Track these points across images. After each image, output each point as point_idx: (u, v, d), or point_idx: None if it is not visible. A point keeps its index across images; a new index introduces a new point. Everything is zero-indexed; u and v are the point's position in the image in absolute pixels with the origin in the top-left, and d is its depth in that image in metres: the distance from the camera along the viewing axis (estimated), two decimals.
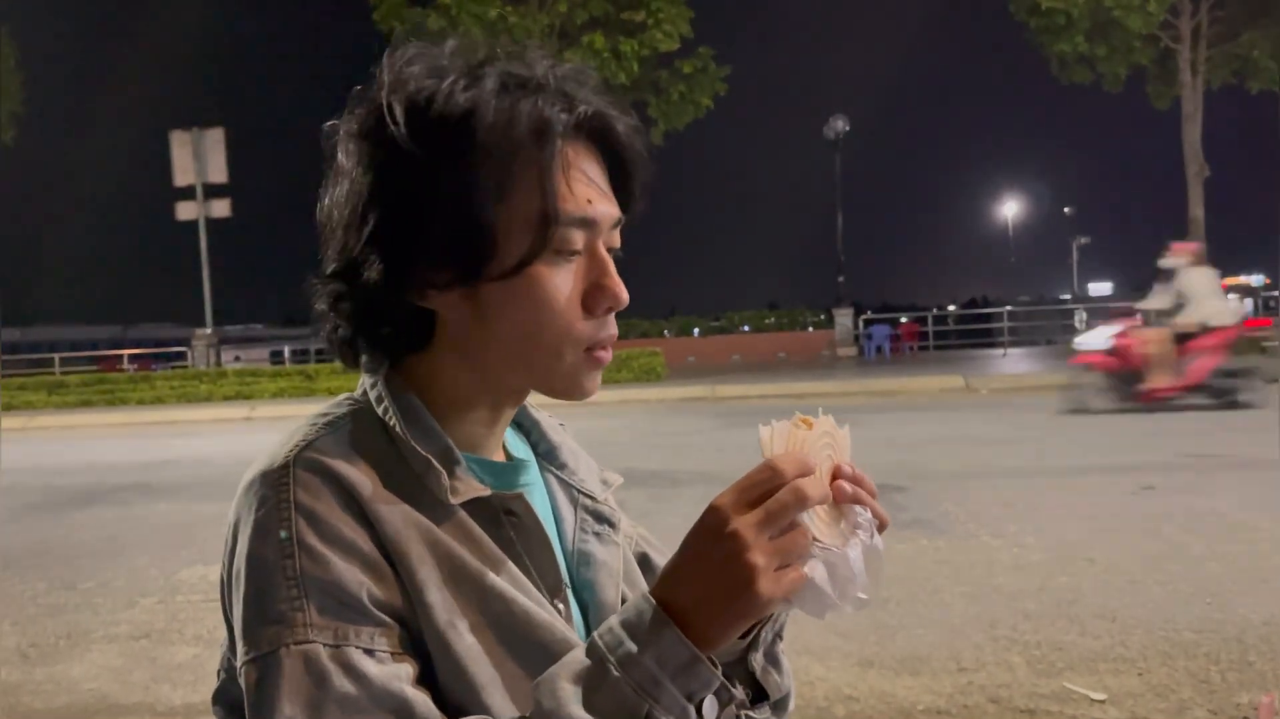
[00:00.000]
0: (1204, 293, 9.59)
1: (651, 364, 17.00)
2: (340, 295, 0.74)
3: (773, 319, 31.79)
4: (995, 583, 3.92)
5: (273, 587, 0.65)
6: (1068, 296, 47.30)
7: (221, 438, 11.39)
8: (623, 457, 7.54)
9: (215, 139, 18.75)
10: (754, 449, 0.65)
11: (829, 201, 26.20)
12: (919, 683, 2.94)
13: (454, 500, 0.71)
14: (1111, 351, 9.75)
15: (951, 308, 46.11)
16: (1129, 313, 10.28)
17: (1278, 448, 6.66)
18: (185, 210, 18.84)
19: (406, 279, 0.71)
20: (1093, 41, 17.62)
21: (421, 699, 0.64)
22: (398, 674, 0.65)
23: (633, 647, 0.62)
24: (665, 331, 30.51)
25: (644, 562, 0.88)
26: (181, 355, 24.69)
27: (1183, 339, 9.53)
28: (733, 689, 0.64)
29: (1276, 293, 28.98)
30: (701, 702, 0.63)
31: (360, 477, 0.68)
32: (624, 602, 0.79)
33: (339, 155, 0.73)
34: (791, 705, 0.83)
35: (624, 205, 0.76)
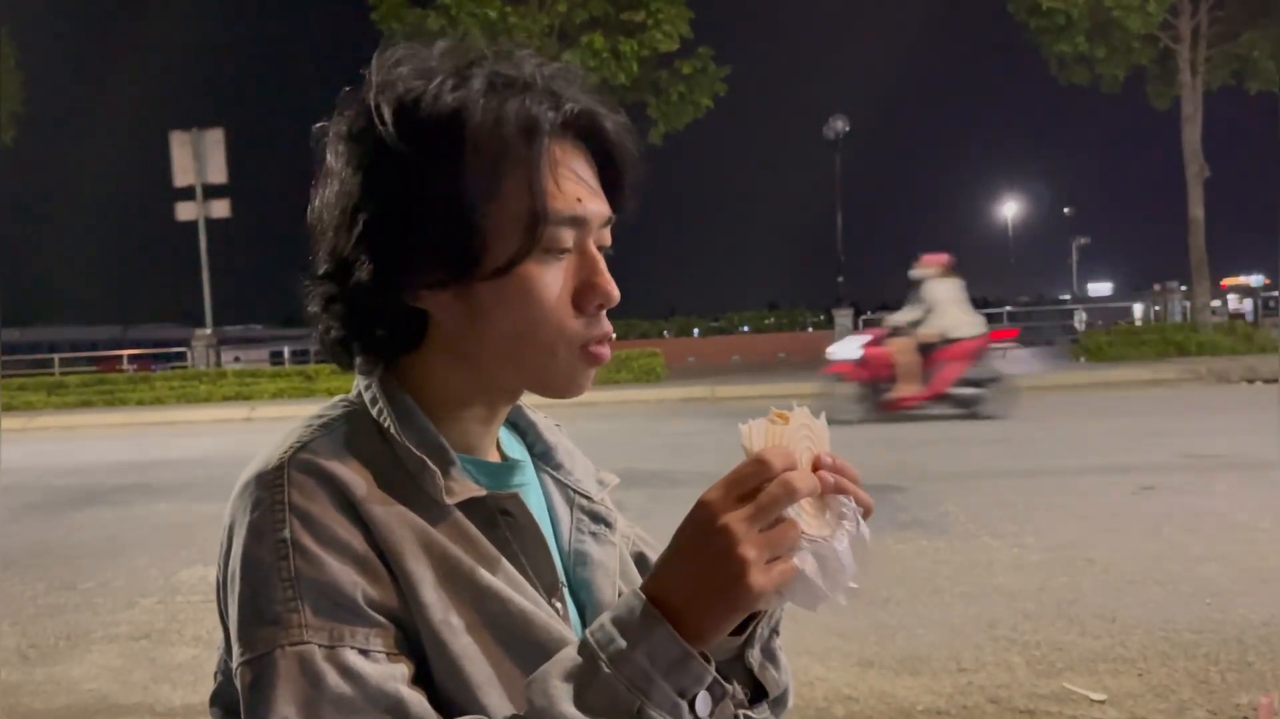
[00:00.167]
0: (947, 304, 9.76)
1: (651, 365, 17.00)
2: (332, 297, 0.74)
3: (772, 319, 31.81)
4: (995, 583, 3.92)
5: (268, 588, 0.65)
6: (1067, 297, 47.37)
7: (221, 438, 11.38)
8: (622, 457, 7.54)
9: (215, 139, 18.74)
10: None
11: (829, 202, 26.18)
12: (919, 683, 2.94)
13: (449, 501, 0.71)
14: (861, 362, 9.94)
15: None
16: (880, 324, 10.46)
17: (1278, 448, 6.66)
18: (185, 211, 18.83)
19: (397, 279, 0.71)
20: (1092, 42, 17.61)
21: (417, 699, 0.64)
22: (393, 674, 0.65)
23: (624, 643, 0.62)
24: (665, 332, 30.54)
25: (641, 561, 0.88)
26: (181, 356, 24.69)
27: (928, 350, 9.71)
28: (725, 685, 0.64)
29: (1276, 293, 29.01)
30: (694, 698, 0.63)
31: (355, 478, 0.68)
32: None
33: (328, 156, 0.74)
34: (790, 702, 0.83)
35: (615, 204, 0.76)
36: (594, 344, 0.74)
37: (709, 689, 0.63)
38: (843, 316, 23.65)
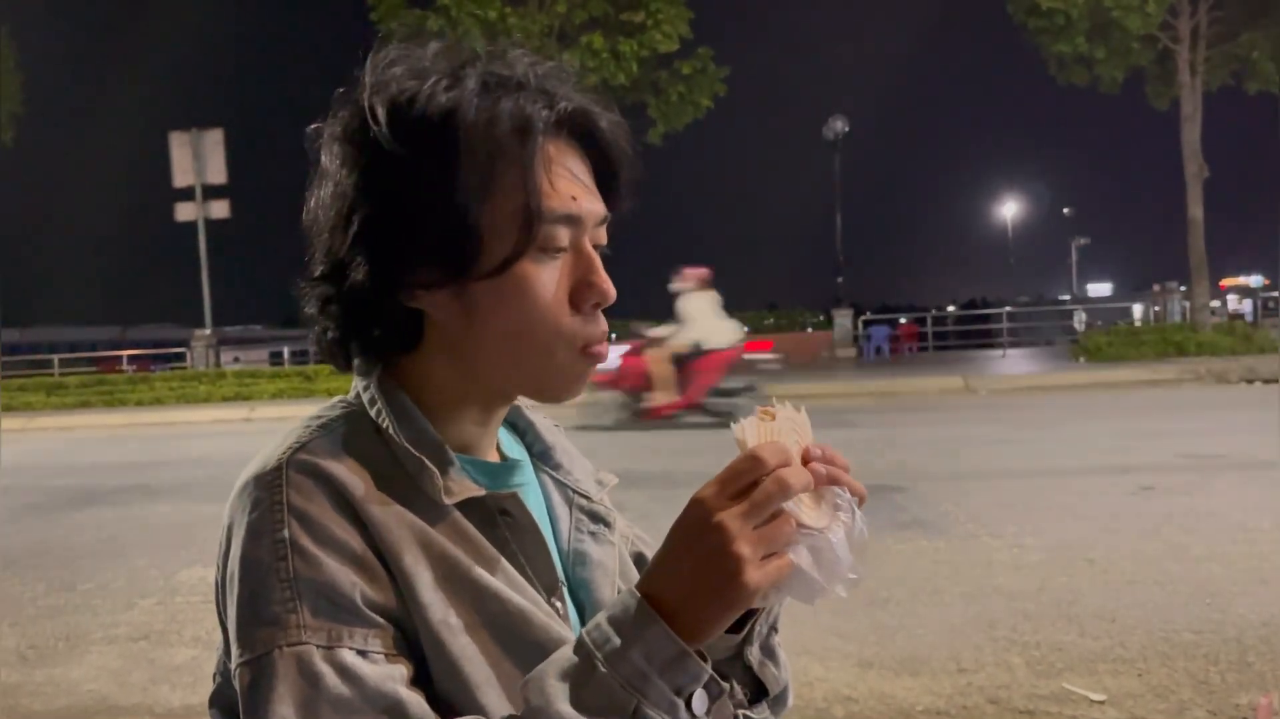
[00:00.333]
0: (701, 316, 10.01)
1: None
2: (329, 298, 0.74)
3: (772, 320, 31.81)
4: (995, 583, 3.92)
5: (266, 589, 0.65)
6: (1067, 297, 47.36)
7: (221, 439, 11.38)
8: (622, 458, 7.55)
9: (214, 140, 18.74)
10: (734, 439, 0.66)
11: (828, 202, 26.19)
12: (918, 684, 2.94)
13: (448, 501, 0.71)
14: (619, 372, 10.15)
15: (951, 309, 46.17)
16: (640, 336, 10.63)
17: (1278, 448, 6.66)
18: (184, 211, 18.82)
19: (394, 280, 0.71)
20: (1092, 42, 17.61)
21: (415, 700, 0.64)
22: (391, 675, 0.64)
23: (619, 642, 0.62)
24: None
25: (640, 561, 0.88)
26: (180, 356, 24.67)
27: (684, 360, 9.93)
28: (722, 683, 0.64)
29: (1275, 293, 29.02)
30: (691, 696, 0.63)
31: (353, 478, 0.68)
32: None
33: (323, 158, 0.74)
34: (790, 701, 0.83)
35: (611, 202, 0.76)
36: (592, 344, 0.74)
37: (705, 687, 0.63)
38: (842, 317, 23.67)
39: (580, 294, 0.73)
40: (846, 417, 10.23)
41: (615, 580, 0.82)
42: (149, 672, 3.38)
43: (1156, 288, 24.03)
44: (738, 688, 0.78)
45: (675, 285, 10.18)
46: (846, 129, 25.46)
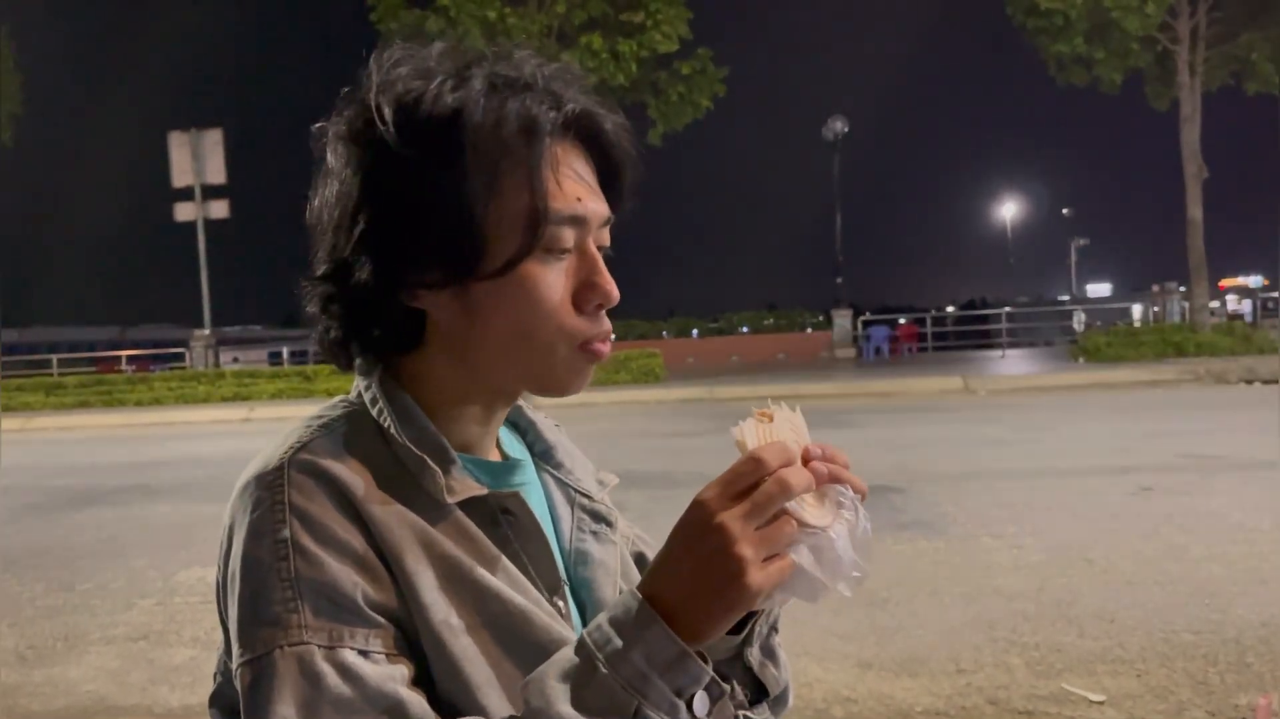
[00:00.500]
0: None
1: (650, 365, 17.00)
2: (331, 297, 0.74)
3: (771, 320, 31.84)
4: (994, 584, 3.92)
5: (267, 588, 0.65)
6: (1066, 298, 47.40)
7: (220, 439, 11.37)
8: (621, 458, 7.54)
9: (214, 140, 18.74)
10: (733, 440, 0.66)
11: (828, 203, 26.23)
12: (918, 684, 2.94)
13: (450, 500, 0.71)
14: None
15: (950, 309, 46.19)
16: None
17: (1277, 449, 6.66)
18: (183, 211, 18.82)
19: (397, 279, 0.71)
20: (1091, 43, 17.63)
21: (416, 700, 0.64)
22: (392, 675, 0.64)
23: (620, 644, 0.62)
24: (664, 333, 30.59)
25: (641, 561, 0.88)
26: (180, 356, 24.66)
27: None
28: (723, 684, 0.64)
29: (1275, 294, 29.03)
30: (692, 697, 0.63)
31: (355, 478, 0.68)
32: None
33: (328, 157, 0.74)
34: (791, 701, 0.83)
35: (613, 204, 0.77)
36: (595, 341, 0.74)
37: (706, 689, 0.63)
38: (841, 317, 23.70)
39: (584, 295, 0.73)
40: (846, 417, 10.23)
41: (617, 580, 0.82)
42: (148, 672, 3.37)
43: (1155, 288, 24.03)
44: (738, 689, 0.78)
45: None
46: (846, 129, 25.48)
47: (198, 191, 18.61)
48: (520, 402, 0.84)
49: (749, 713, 0.78)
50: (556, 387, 0.75)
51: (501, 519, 0.74)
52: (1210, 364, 14.26)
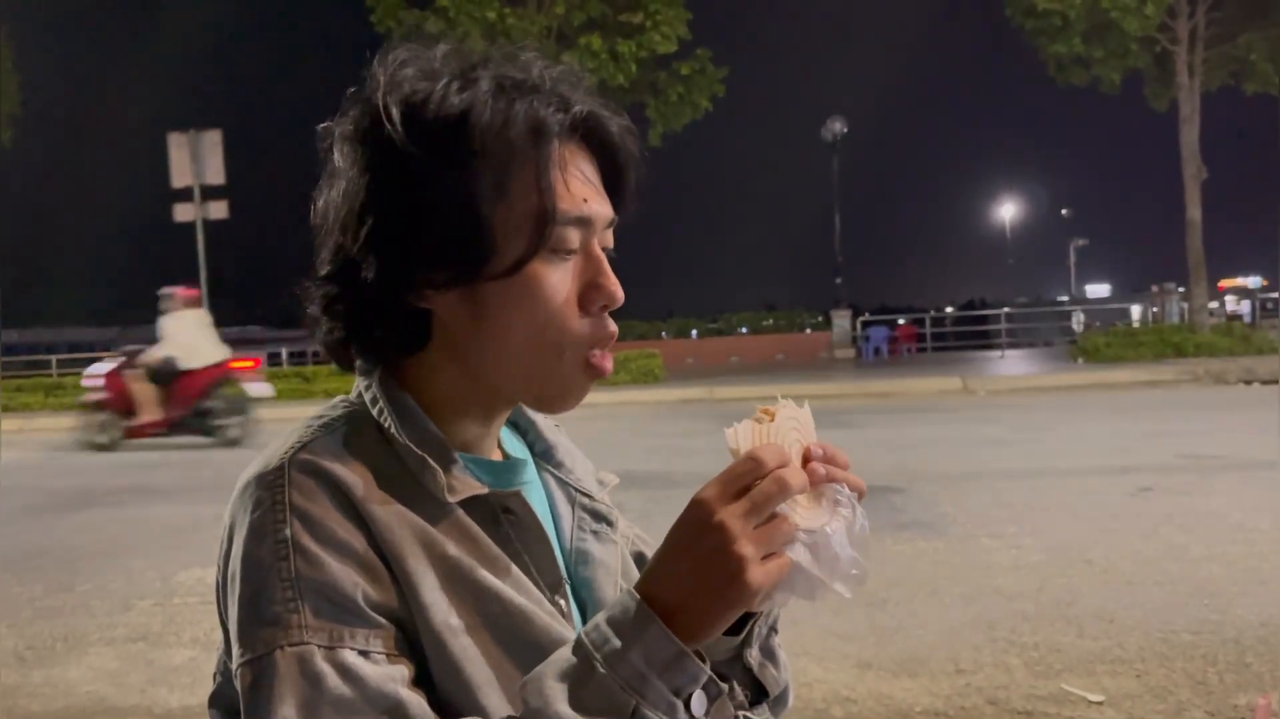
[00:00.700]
0: (181, 335, 10.27)
1: (649, 366, 16.99)
2: (335, 297, 0.74)
3: (771, 321, 31.85)
4: (993, 584, 3.92)
5: (268, 588, 0.65)
6: (1065, 298, 47.41)
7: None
8: (621, 458, 7.54)
9: (213, 141, 18.70)
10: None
11: (827, 203, 26.23)
12: (917, 684, 2.94)
13: (451, 499, 0.71)
14: (106, 389, 10.32)
15: (949, 309, 46.23)
16: (128, 352, 10.85)
17: (1277, 449, 6.67)
18: (183, 212, 18.78)
19: (404, 280, 0.71)
20: (1089, 44, 17.64)
21: (416, 700, 0.64)
22: (393, 675, 0.65)
23: (618, 643, 0.62)
24: (663, 333, 30.58)
25: (641, 561, 0.88)
26: None
27: (168, 378, 10.15)
28: (721, 684, 0.64)
29: (1274, 294, 29.04)
30: (690, 697, 0.63)
31: (355, 478, 0.68)
32: None
33: (334, 157, 0.74)
34: (790, 701, 0.84)
35: (616, 206, 0.77)
36: (598, 352, 0.74)
37: (704, 688, 0.63)
38: (841, 318, 23.70)
39: (589, 296, 0.73)
40: (845, 417, 10.23)
41: (618, 579, 0.82)
42: (147, 673, 3.37)
43: (1155, 289, 24.04)
44: (738, 689, 0.78)
45: (161, 305, 10.47)
46: (845, 130, 25.49)
47: (197, 192, 18.57)
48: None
49: (749, 713, 0.79)
50: (556, 395, 0.75)
51: (503, 518, 0.74)
52: (1209, 364, 14.27)
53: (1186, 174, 17.90)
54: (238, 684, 0.65)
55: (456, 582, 0.69)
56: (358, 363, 0.77)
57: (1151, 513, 5.03)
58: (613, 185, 0.77)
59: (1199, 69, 17.72)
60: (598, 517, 0.85)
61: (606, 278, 0.74)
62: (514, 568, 0.72)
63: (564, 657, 0.64)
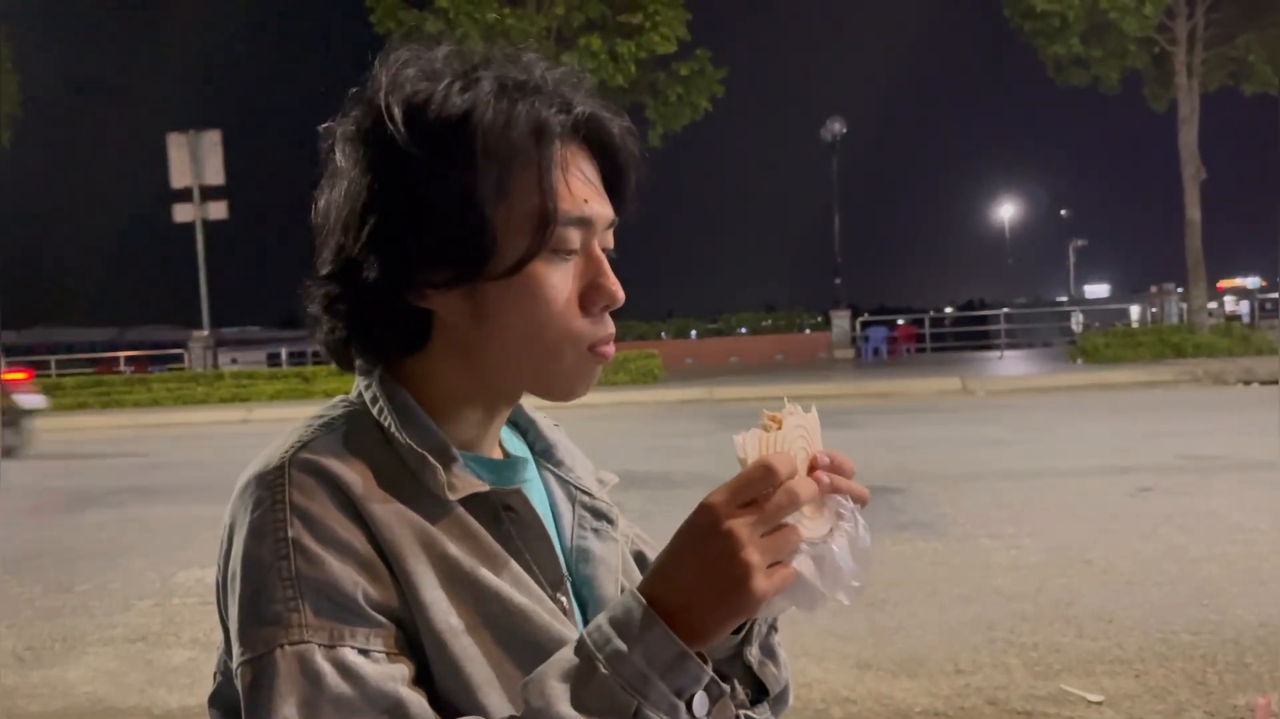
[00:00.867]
0: None
1: (649, 366, 17.00)
2: (336, 297, 0.74)
3: (770, 321, 31.88)
4: (992, 585, 3.92)
5: (268, 587, 0.65)
6: (1064, 298, 47.44)
7: (218, 440, 11.37)
8: (620, 459, 7.54)
9: (212, 141, 18.71)
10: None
11: (826, 204, 26.24)
12: (916, 685, 2.94)
13: (451, 497, 0.71)
14: None
15: (948, 310, 46.24)
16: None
17: (1276, 449, 6.67)
18: (182, 212, 18.80)
19: (405, 279, 0.72)
20: (1088, 44, 17.65)
21: (416, 700, 0.64)
22: (393, 675, 0.65)
23: (621, 644, 0.62)
24: (663, 334, 30.60)
25: (641, 560, 0.88)
26: (178, 358, 24.64)
27: None
28: (722, 685, 0.64)
29: (1273, 295, 29.06)
30: (692, 698, 0.63)
31: (355, 477, 0.69)
32: None
33: (336, 157, 0.74)
34: (790, 700, 0.84)
35: (617, 207, 0.77)
36: (600, 344, 0.75)
37: (706, 689, 0.63)
38: (840, 318, 23.70)
39: (590, 296, 0.74)
40: (844, 418, 10.23)
41: (618, 577, 0.82)
42: (146, 673, 3.37)
43: (1154, 289, 24.04)
44: (739, 688, 0.78)
45: None
46: (844, 130, 25.50)
47: (196, 193, 18.59)
48: (521, 400, 0.84)
49: (749, 712, 0.79)
50: (562, 389, 0.76)
51: (504, 516, 0.74)
52: (1208, 365, 14.28)
53: (1185, 174, 17.91)
54: (238, 683, 0.65)
55: (457, 581, 0.69)
56: (358, 362, 0.77)
57: (1151, 513, 5.03)
58: (613, 186, 0.77)
59: (1198, 70, 17.73)
60: (598, 514, 0.85)
61: (607, 278, 0.74)
62: (515, 565, 0.72)
63: (566, 657, 0.64)
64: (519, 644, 0.69)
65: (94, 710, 3.08)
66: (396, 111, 0.70)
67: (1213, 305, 22.84)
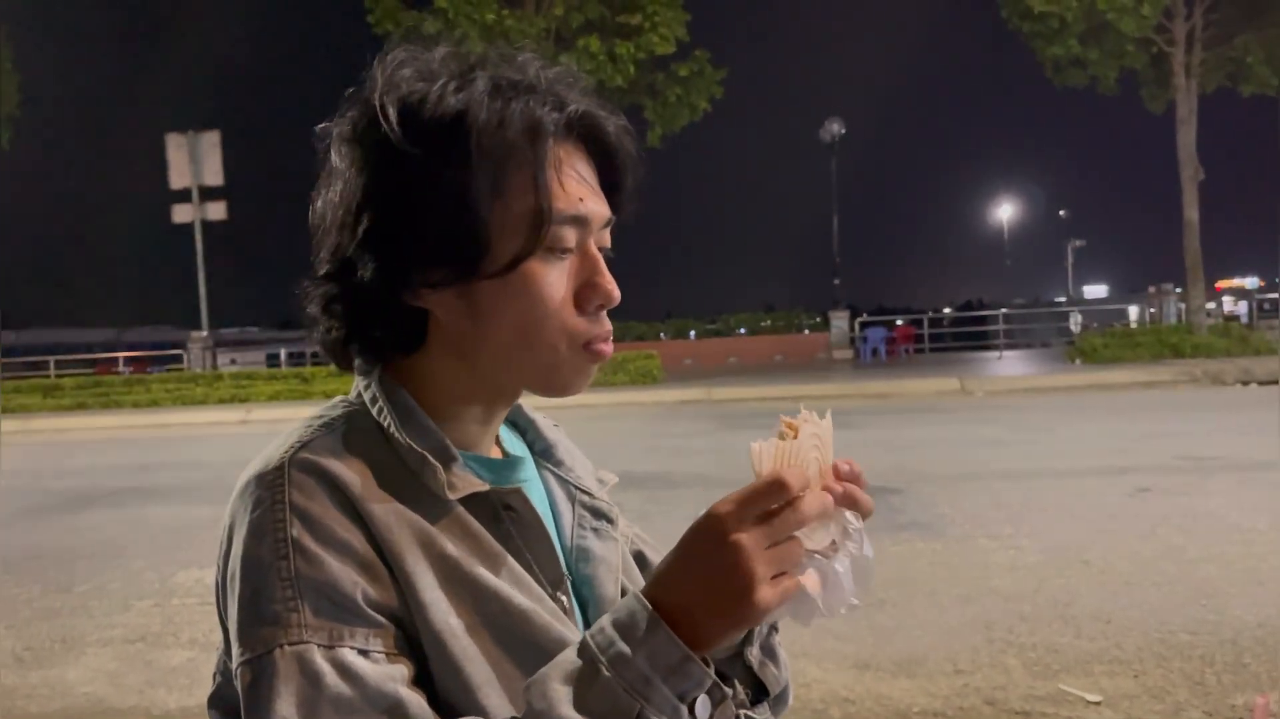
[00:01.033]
0: None
1: (648, 367, 16.99)
2: (333, 297, 0.74)
3: (769, 322, 31.88)
4: (991, 585, 3.92)
5: (268, 588, 0.65)
6: (1063, 299, 47.47)
7: (217, 441, 11.36)
8: (619, 459, 7.54)
9: (211, 142, 18.70)
10: (748, 453, 0.66)
11: (825, 204, 26.26)
12: (915, 685, 2.95)
13: (451, 496, 0.71)
14: None
15: (947, 310, 46.28)
16: None
17: (1275, 450, 6.68)
18: (181, 213, 18.79)
19: (401, 279, 0.72)
20: (1086, 45, 17.65)
21: (416, 700, 0.64)
22: (392, 675, 0.65)
23: (624, 647, 0.62)
24: (661, 334, 30.58)
25: (640, 560, 0.89)
26: (177, 358, 24.60)
27: None
28: (725, 688, 0.64)
29: (1271, 295, 29.08)
30: (694, 701, 0.63)
31: (355, 477, 0.69)
32: (624, 597, 0.79)
33: (332, 157, 0.74)
34: (790, 699, 0.84)
35: (614, 206, 0.77)
36: (597, 341, 0.75)
37: (708, 693, 0.64)
38: (839, 319, 23.71)
39: (585, 295, 0.74)
40: (843, 418, 10.19)
41: (619, 577, 0.82)
42: (145, 674, 3.37)
43: (1152, 289, 24.03)
44: (739, 689, 0.78)
45: None
46: (842, 131, 25.52)
47: (195, 193, 18.58)
48: (520, 400, 0.84)
49: (749, 712, 0.79)
50: (559, 386, 0.76)
51: (504, 515, 0.75)
52: (1207, 365, 14.28)
53: (1184, 175, 17.91)
54: (238, 683, 0.65)
55: (456, 581, 0.69)
56: (357, 362, 0.77)
57: (1149, 514, 5.03)
58: (610, 185, 0.77)
59: (1196, 70, 17.74)
60: (598, 514, 0.85)
61: (603, 277, 0.74)
62: (515, 565, 0.73)
63: (569, 659, 0.64)
64: (518, 644, 0.69)
65: (93, 711, 3.08)
66: (391, 111, 0.70)
67: (1211, 306, 22.88)
